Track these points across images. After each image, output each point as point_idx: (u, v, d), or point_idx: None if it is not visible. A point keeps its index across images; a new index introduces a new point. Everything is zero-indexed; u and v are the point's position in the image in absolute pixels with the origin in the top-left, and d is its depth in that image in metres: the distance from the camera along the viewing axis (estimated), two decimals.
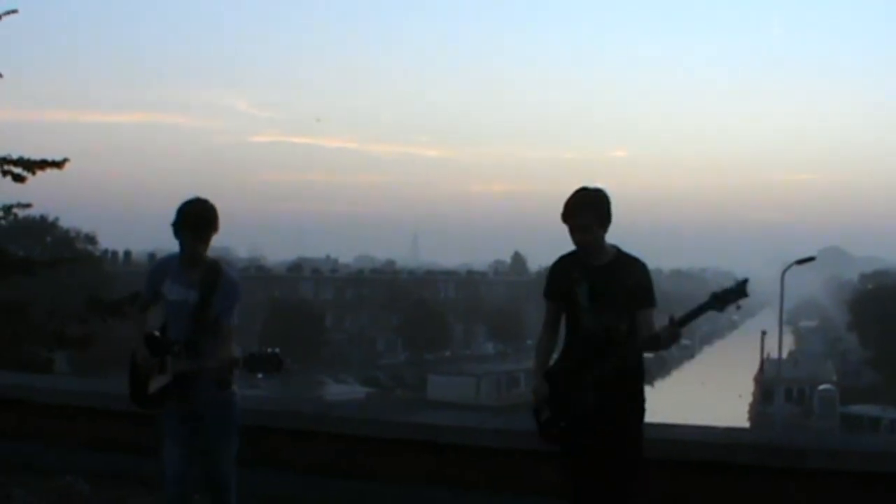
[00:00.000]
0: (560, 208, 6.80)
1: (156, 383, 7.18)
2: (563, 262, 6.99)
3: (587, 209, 6.76)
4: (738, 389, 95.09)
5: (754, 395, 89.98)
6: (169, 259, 7.46)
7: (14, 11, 21.87)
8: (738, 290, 6.63)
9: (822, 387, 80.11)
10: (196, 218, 7.12)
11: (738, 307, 6.78)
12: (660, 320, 6.75)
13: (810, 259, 65.46)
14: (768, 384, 78.35)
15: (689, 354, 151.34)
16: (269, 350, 6.99)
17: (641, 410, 6.89)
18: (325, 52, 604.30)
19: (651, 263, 7.07)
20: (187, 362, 7.04)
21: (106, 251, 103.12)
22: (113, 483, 9.46)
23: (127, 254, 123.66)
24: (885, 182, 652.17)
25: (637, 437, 6.84)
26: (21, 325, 23.69)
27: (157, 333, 7.29)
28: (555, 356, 7.11)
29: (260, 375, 7.20)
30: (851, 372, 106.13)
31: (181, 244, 7.19)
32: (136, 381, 7.36)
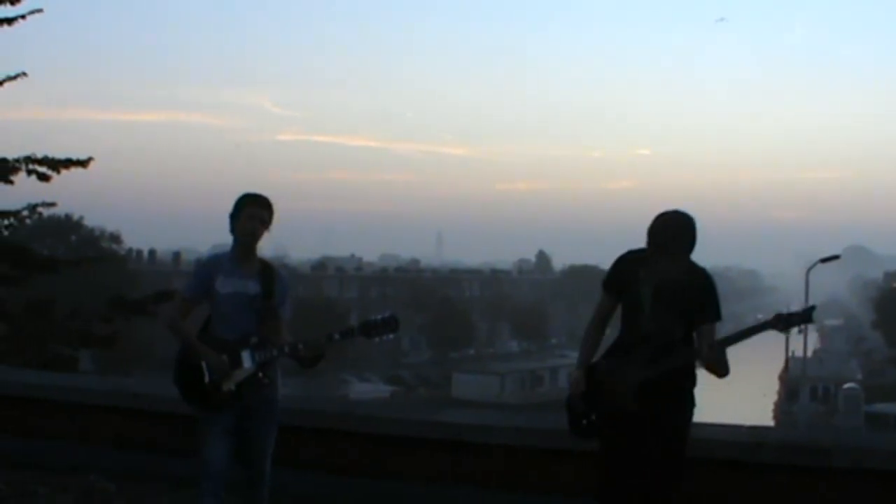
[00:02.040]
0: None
1: (232, 379, 7.12)
2: (632, 258, 6.92)
3: (685, 243, 6.74)
4: (762, 388, 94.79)
5: (779, 393, 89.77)
6: (219, 256, 7.49)
7: (39, 11, 22.02)
8: (805, 315, 6.65)
9: (846, 385, 79.77)
10: (254, 205, 7.24)
11: (800, 331, 6.80)
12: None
13: (835, 257, 65.32)
14: (793, 383, 78.18)
15: None
16: (381, 316, 7.25)
17: (685, 417, 6.84)
18: (349, 50, 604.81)
19: None
20: (269, 350, 7.13)
21: (130, 250, 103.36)
22: (136, 482, 9.47)
23: (152, 253, 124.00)
24: None
25: (678, 442, 6.79)
26: (46, 324, 23.79)
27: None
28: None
29: (377, 340, 7.37)
30: (876, 370, 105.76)
31: (236, 233, 7.26)
32: (196, 383, 7.24)
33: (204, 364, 7.18)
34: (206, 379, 7.18)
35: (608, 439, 6.89)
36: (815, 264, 61.92)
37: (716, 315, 6.79)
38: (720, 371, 6.65)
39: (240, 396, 7.15)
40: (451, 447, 8.81)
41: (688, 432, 6.86)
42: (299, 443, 9.04)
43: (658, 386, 6.65)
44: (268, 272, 7.28)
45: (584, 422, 6.93)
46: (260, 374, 7.14)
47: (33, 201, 23.09)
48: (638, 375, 6.68)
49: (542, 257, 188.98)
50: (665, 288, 6.72)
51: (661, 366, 6.65)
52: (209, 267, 7.38)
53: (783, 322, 6.64)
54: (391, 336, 7.25)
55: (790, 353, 76.54)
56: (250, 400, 7.17)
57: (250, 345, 7.12)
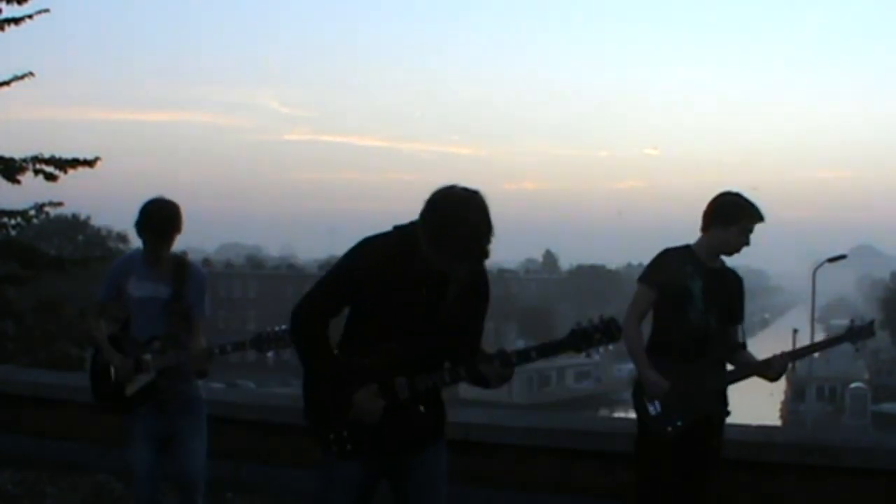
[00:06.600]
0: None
1: (136, 383, 6.99)
2: (677, 254, 6.91)
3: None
4: (768, 388, 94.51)
5: (786, 393, 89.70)
6: (131, 257, 7.38)
7: (46, 11, 22.03)
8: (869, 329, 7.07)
9: (853, 385, 79.66)
10: (159, 220, 7.00)
11: (857, 349, 7.04)
12: None
13: (842, 257, 65.24)
14: (800, 382, 78.11)
15: None
16: (277, 328, 6.77)
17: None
18: (357, 50, 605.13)
19: None
20: (171, 357, 6.92)
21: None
22: None
23: None
24: None
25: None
26: (55, 324, 23.79)
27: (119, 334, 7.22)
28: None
29: (270, 354, 7.09)
30: (883, 370, 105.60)
31: (144, 245, 7.08)
32: (105, 385, 7.17)
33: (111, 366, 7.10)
34: (113, 380, 7.09)
35: (691, 444, 6.87)
36: (822, 264, 61.89)
37: (742, 317, 7.05)
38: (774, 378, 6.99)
39: (145, 399, 7.01)
40: (459, 447, 8.79)
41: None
42: (308, 443, 9.04)
43: (724, 393, 6.96)
44: (179, 273, 7.09)
45: (669, 429, 6.81)
46: (160, 379, 6.94)
47: (40, 201, 23.09)
48: (721, 381, 6.90)
49: (549, 257, 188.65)
50: (712, 284, 6.81)
51: (741, 372, 6.92)
52: (122, 269, 7.26)
53: (855, 336, 7.00)
54: (287, 348, 6.65)
55: None
56: (169, 402, 7.02)
57: (153, 350, 6.94)
